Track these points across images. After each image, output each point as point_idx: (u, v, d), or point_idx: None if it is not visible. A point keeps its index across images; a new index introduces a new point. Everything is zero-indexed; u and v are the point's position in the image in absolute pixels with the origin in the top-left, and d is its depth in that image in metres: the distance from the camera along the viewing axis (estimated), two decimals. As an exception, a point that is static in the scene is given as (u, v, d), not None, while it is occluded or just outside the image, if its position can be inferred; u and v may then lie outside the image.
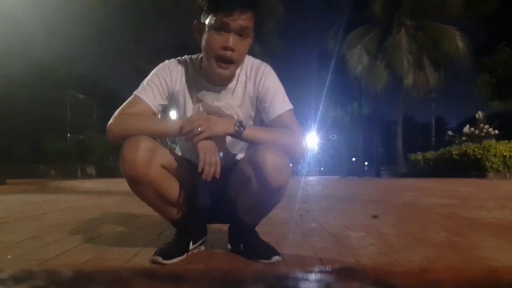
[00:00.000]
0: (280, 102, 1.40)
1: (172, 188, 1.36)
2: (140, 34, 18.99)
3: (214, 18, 1.25)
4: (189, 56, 1.47)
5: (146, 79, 1.40)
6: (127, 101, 1.36)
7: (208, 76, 1.39)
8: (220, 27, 1.25)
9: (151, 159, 1.24)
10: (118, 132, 1.29)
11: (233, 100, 1.42)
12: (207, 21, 1.28)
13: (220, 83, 1.40)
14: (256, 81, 1.42)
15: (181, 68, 1.43)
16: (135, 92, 1.37)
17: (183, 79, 1.42)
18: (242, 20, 1.25)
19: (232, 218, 1.50)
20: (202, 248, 1.60)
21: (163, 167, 1.30)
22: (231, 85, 1.41)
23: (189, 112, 1.42)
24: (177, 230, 1.52)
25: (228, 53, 1.28)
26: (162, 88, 1.38)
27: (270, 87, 1.41)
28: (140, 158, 1.22)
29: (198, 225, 1.57)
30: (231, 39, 1.26)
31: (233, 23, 1.24)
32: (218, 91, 1.41)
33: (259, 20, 1.32)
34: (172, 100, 1.44)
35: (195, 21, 1.34)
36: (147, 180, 1.26)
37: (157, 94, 1.37)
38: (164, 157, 1.30)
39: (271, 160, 1.21)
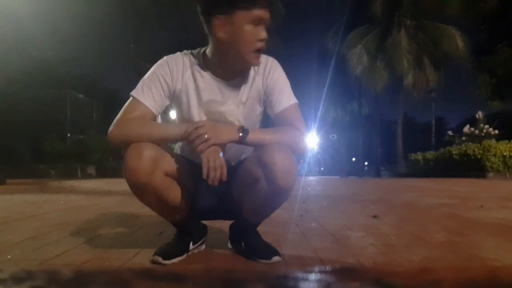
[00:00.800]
0: (286, 95, 1.41)
1: (175, 193, 1.35)
2: (140, 34, 18.98)
3: (250, 12, 1.24)
4: (189, 51, 1.43)
5: (145, 78, 1.35)
6: (126, 104, 1.32)
7: (217, 69, 1.37)
8: (257, 21, 1.26)
9: (154, 168, 1.22)
10: (120, 139, 1.26)
11: (238, 98, 1.39)
12: (239, 16, 1.24)
13: (230, 77, 1.38)
14: (265, 75, 1.42)
15: (182, 65, 1.38)
16: (134, 94, 1.32)
17: (185, 75, 1.38)
18: (269, 13, 1.29)
19: (234, 215, 1.50)
20: (203, 247, 1.60)
21: (166, 174, 1.28)
22: (238, 79, 1.40)
23: (194, 111, 1.38)
24: (177, 230, 1.52)
25: (264, 44, 1.31)
26: (162, 88, 1.34)
27: (278, 81, 1.42)
28: (143, 167, 1.20)
29: (199, 225, 1.57)
30: (265, 31, 1.30)
31: (267, 16, 1.28)
32: (225, 86, 1.39)
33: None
34: (173, 99, 1.40)
35: (216, 16, 1.26)
36: (150, 188, 1.25)
37: (157, 96, 1.33)
38: (167, 164, 1.28)
39: (280, 162, 1.21)
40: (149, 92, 1.32)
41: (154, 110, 1.32)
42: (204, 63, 1.39)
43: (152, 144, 1.23)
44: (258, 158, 1.26)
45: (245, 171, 1.34)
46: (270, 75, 1.41)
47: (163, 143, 1.31)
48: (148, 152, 1.21)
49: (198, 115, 1.38)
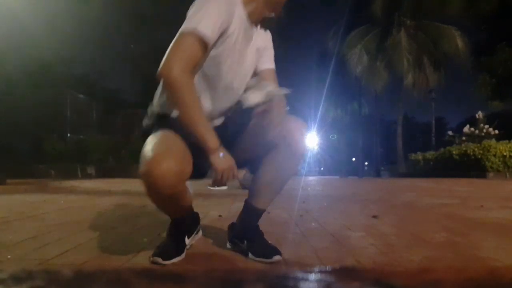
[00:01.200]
0: (272, 59, 1.56)
1: (189, 194, 1.39)
2: (140, 34, 18.97)
3: None
4: None
5: (201, 7, 1.26)
6: (180, 40, 1.23)
7: (251, 13, 1.39)
8: None
9: (177, 182, 1.19)
10: (168, 86, 1.22)
11: (255, 45, 1.47)
12: None
13: (254, 24, 1.44)
14: (266, 33, 1.54)
15: (233, 3, 1.34)
16: (192, 26, 1.22)
17: (236, 15, 1.33)
18: None
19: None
20: (200, 234, 1.66)
21: (185, 181, 1.26)
22: (257, 28, 1.46)
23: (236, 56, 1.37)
24: (171, 225, 1.49)
25: None
26: (220, 20, 1.26)
27: (271, 44, 1.57)
28: (167, 183, 1.16)
29: (194, 216, 1.61)
30: None
31: None
32: (250, 32, 1.43)
33: None
34: (222, 37, 1.30)
35: None
36: (169, 197, 1.24)
37: (216, 27, 1.25)
38: (188, 171, 1.23)
39: (297, 128, 1.36)
40: (209, 19, 1.24)
41: (210, 42, 1.24)
42: (243, 4, 1.38)
43: (177, 157, 1.19)
44: (275, 127, 1.33)
45: (260, 139, 1.36)
46: (268, 36, 1.56)
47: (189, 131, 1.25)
48: (172, 167, 1.15)
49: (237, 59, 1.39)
